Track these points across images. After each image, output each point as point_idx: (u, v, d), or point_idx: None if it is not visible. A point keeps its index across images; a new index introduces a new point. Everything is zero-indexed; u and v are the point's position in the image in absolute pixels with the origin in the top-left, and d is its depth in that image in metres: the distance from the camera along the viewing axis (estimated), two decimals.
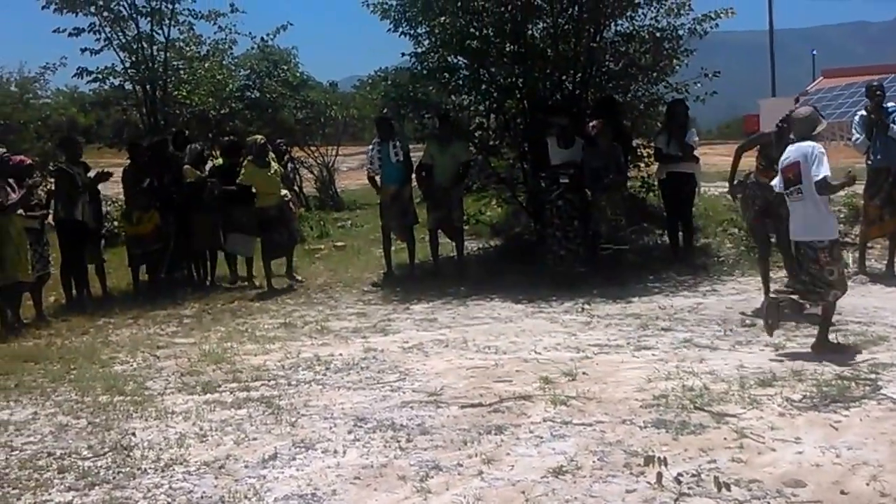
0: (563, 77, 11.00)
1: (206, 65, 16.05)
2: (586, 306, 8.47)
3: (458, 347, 7.14)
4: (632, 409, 5.22)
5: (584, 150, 9.61)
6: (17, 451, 5.10)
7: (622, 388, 5.67)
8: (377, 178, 10.79)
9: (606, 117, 9.62)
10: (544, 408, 5.33)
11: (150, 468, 4.69)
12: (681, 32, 10.90)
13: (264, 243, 10.50)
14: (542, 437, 4.83)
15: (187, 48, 15.66)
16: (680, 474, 4.13)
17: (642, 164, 11.43)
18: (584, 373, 6.06)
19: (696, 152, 10.28)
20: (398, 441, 4.89)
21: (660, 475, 4.04)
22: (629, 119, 10.91)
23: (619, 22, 11.08)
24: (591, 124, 9.51)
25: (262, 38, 17.97)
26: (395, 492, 4.21)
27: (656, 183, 10.84)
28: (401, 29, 11.13)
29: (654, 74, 11.04)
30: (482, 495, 4.09)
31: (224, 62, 16.92)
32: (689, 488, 4.01)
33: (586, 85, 11.02)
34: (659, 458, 4.14)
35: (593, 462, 4.41)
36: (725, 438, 4.63)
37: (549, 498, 4.02)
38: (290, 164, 14.98)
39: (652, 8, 10.88)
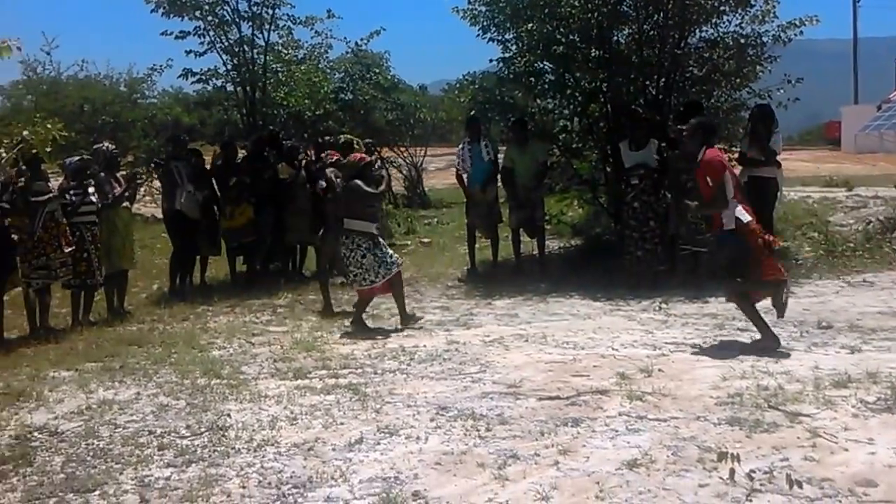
0: (647, 82, 11.03)
1: (303, 68, 16.48)
2: (664, 305, 8.50)
3: (538, 342, 7.22)
4: (706, 406, 5.25)
5: (665, 154, 9.62)
6: (121, 429, 5.32)
7: (697, 385, 5.70)
8: (465, 177, 11.03)
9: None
10: (620, 402, 5.38)
11: (243, 448, 4.87)
12: (765, 39, 10.85)
13: None
14: (617, 431, 4.88)
15: (286, 52, 16.06)
16: (752, 471, 4.14)
17: None
18: (659, 370, 6.09)
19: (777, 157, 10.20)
20: (478, 430, 4.98)
21: (732, 471, 4.05)
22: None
23: (704, 28, 11.08)
24: (678, 128, 9.51)
25: (356, 43, 18.47)
26: (473, 478, 4.30)
27: None
28: (489, 34, 11.34)
29: (738, 80, 10.99)
30: (558, 484, 4.16)
31: (320, 65, 17.36)
32: (761, 485, 4.03)
33: (670, 90, 11.03)
34: (732, 454, 4.13)
35: (667, 456, 4.45)
36: (799, 437, 4.64)
37: (623, 489, 4.06)
38: (377, 163, 15.31)
39: (737, 15, 10.86)
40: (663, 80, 10.98)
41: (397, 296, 8.10)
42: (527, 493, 4.11)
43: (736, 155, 10.73)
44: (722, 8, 10.72)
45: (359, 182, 8.09)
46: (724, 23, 11.01)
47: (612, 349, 6.86)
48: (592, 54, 11.04)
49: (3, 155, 6.27)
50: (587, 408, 5.34)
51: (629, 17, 11.01)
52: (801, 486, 3.95)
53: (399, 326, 8.06)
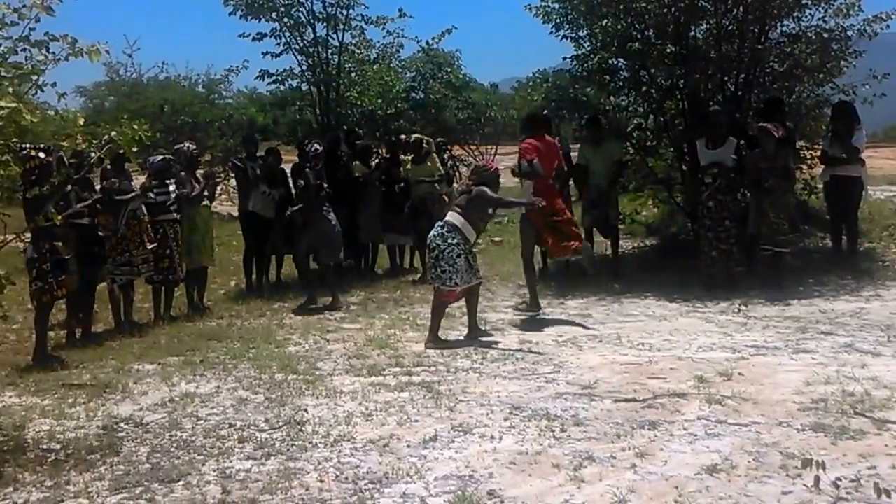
0: (726, 78, 10.81)
1: (376, 67, 16.62)
2: (743, 307, 8.32)
3: (612, 343, 7.17)
4: (789, 411, 5.14)
5: (743, 152, 9.40)
6: (203, 421, 5.46)
7: (779, 390, 5.58)
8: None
9: (774, 118, 9.37)
10: (699, 406, 5.30)
11: (320, 443, 4.95)
12: (849, 33, 10.56)
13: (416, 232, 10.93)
14: (696, 435, 4.80)
15: (359, 52, 16.23)
16: (838, 479, 4.05)
17: (804, 167, 11.12)
18: (739, 373, 5.98)
19: (861, 155, 9.90)
20: (552, 430, 4.97)
21: (817, 479, 3.97)
22: (793, 121, 10.62)
23: (785, 22, 10.83)
24: (760, 126, 9.31)
25: (428, 42, 18.54)
26: (549, 478, 4.29)
27: (821, 185, 10.53)
28: (562, 32, 11.28)
29: (821, 76, 10.71)
30: (635, 488, 4.11)
31: (392, 65, 17.48)
32: (847, 493, 3.93)
33: (749, 86, 10.79)
34: (817, 461, 4.05)
35: (748, 462, 4.37)
36: (886, 445, 4.52)
37: (703, 495, 4.00)
38: (449, 162, 15.38)
39: (820, 8, 10.60)
40: (742, 76, 10.75)
41: (472, 306, 7.87)
42: (603, 495, 4.08)
43: (816, 153, 10.52)
44: (804, 1, 10.46)
45: (487, 189, 7.76)
46: (806, 17, 10.75)
47: (690, 351, 6.76)
48: (669, 50, 10.89)
49: (93, 155, 6.52)
50: (664, 411, 5.28)
51: (707, 12, 10.79)
52: (889, 496, 3.84)
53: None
